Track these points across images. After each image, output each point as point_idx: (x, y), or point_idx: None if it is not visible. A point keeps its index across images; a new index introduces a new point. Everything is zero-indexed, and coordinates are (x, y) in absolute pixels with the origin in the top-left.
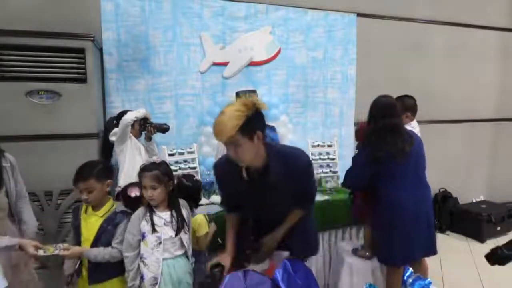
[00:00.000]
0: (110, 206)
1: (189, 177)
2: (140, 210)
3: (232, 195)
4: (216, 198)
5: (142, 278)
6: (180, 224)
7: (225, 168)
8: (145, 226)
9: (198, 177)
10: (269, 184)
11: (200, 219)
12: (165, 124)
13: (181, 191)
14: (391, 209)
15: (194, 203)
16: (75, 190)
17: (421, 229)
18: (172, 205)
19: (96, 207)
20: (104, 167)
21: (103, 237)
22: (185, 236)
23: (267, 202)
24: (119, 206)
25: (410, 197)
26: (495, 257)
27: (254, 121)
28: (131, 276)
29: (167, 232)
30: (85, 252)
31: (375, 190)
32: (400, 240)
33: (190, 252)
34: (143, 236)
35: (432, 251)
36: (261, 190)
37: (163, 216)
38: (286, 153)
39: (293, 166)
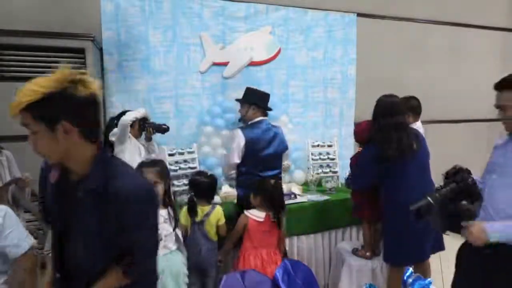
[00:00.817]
0: None
1: (203, 173)
2: None
3: (47, 207)
4: (217, 199)
5: None
6: (176, 220)
7: (46, 166)
8: None
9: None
10: (77, 202)
11: (221, 211)
12: (164, 124)
13: (197, 188)
14: (402, 209)
15: (210, 198)
16: None
17: (430, 229)
18: (168, 202)
19: None
20: None
21: None
22: (179, 231)
23: (71, 232)
24: None
25: (420, 196)
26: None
27: (56, 104)
28: None
29: (167, 228)
30: None
31: (384, 190)
32: (412, 241)
33: (182, 245)
34: None
35: (441, 246)
36: (68, 210)
37: (162, 214)
38: (122, 174)
39: (119, 194)
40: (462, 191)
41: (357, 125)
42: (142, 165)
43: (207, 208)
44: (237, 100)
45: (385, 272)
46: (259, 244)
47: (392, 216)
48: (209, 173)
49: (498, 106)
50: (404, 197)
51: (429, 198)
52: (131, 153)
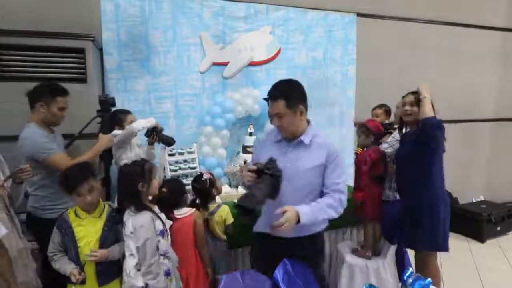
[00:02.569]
0: (103, 205)
1: (198, 178)
2: (149, 214)
3: None
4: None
5: (167, 274)
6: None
7: None
8: (160, 225)
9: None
10: None
11: (227, 209)
12: (172, 138)
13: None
14: (445, 197)
15: (204, 204)
16: (74, 196)
17: None
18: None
19: (90, 209)
20: (93, 166)
21: (110, 235)
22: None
23: None
24: (111, 204)
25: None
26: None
27: None
28: (162, 279)
29: (168, 221)
30: (111, 252)
31: (434, 176)
32: (448, 227)
33: None
34: (162, 234)
35: None
36: None
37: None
38: None
39: None
40: (276, 181)
41: (369, 122)
42: (147, 164)
43: (212, 207)
44: (266, 99)
45: (385, 272)
46: (178, 245)
47: (439, 205)
48: (204, 177)
49: (275, 115)
50: (443, 183)
51: (258, 195)
52: (131, 158)
